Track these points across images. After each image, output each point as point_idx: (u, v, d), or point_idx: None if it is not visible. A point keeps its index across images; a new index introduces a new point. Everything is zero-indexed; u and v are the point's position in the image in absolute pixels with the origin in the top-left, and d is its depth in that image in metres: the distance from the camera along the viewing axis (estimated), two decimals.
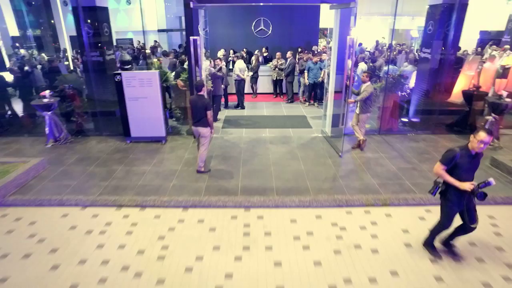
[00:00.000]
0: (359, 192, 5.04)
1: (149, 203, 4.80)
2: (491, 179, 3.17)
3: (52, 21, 15.27)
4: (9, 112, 8.65)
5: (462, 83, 9.15)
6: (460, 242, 3.85)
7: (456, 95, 9.06)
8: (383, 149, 6.75)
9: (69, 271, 3.55)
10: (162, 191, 5.08)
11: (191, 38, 6.33)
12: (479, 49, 12.86)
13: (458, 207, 3.38)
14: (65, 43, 15.29)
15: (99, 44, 7.60)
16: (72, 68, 11.40)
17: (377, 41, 16.80)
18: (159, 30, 17.42)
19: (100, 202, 4.84)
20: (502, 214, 4.58)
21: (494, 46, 12.38)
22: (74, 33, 7.93)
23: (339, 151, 6.44)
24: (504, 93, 6.72)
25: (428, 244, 3.77)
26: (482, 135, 3.10)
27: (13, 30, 15.43)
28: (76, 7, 7.15)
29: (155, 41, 15.95)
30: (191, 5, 6.24)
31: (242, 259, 3.71)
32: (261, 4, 9.88)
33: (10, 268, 3.59)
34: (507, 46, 10.67)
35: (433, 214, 4.46)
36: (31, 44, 15.55)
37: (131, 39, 18.27)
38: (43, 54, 13.81)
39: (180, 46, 15.31)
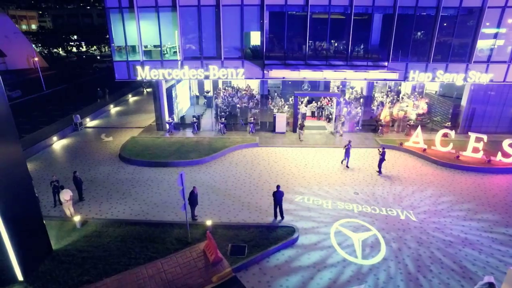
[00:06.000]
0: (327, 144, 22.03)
1: (285, 146, 21.82)
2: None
3: None
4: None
5: (384, 113, 25.85)
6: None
7: (383, 116, 25.80)
8: (347, 134, 23.62)
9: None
10: (290, 144, 22.07)
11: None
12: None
13: None
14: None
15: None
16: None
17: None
18: None
19: (283, 145, 21.88)
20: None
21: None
22: None
23: (336, 133, 23.38)
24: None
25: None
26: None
27: None
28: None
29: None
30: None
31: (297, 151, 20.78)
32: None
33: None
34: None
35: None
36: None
37: None
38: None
39: None
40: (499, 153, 19.13)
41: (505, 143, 18.90)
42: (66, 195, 13.94)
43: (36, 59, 53.35)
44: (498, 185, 17.25)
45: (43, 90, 40.75)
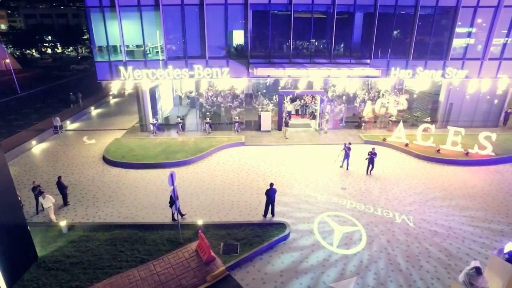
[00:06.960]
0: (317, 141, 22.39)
1: (271, 144, 21.98)
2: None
3: None
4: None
5: (366, 109, 26.46)
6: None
7: (365, 113, 26.39)
8: (331, 131, 24.04)
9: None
10: (276, 142, 22.24)
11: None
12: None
13: None
14: None
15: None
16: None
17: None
18: None
19: (269, 143, 22.01)
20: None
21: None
22: None
23: (321, 130, 23.74)
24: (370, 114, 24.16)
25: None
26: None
27: None
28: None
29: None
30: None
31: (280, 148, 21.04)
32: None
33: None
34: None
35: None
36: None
37: None
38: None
39: None
40: (476, 146, 20.00)
41: (481, 136, 19.79)
42: (47, 203, 13.65)
43: (7, 60, 51.13)
44: (476, 176, 18.04)
45: (17, 92, 39.12)
